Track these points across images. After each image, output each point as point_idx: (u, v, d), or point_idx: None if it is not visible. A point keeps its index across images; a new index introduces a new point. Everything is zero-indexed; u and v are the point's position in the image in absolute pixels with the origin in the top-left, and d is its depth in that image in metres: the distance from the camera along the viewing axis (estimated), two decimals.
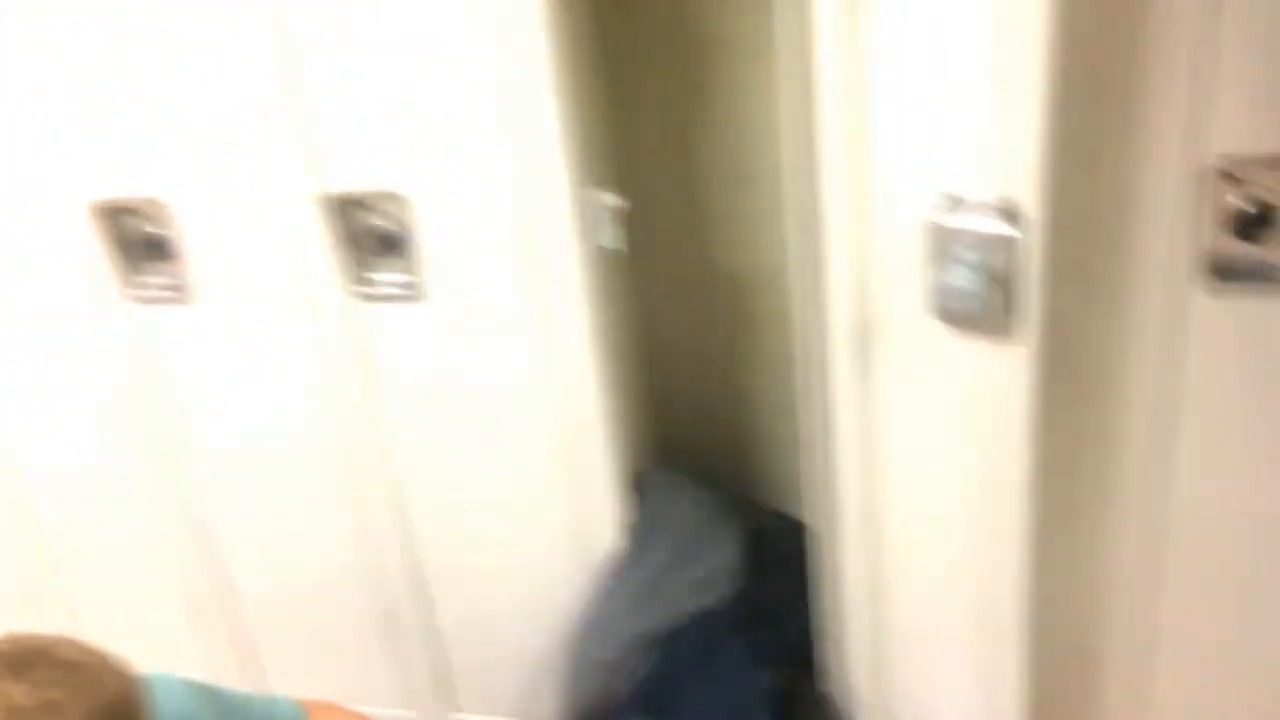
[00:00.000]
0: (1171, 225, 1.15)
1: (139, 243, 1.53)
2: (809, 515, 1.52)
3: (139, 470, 1.74)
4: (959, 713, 1.50)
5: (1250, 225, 1.13)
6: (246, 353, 1.59)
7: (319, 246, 1.48)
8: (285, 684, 1.81)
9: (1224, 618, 1.36)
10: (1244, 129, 1.07)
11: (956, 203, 1.09)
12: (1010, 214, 1.04)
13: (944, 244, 1.09)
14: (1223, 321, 1.18)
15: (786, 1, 1.18)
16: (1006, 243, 1.05)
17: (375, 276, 1.50)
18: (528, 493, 1.63)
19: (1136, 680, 1.45)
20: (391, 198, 1.43)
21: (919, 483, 1.37)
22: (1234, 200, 1.12)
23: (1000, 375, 1.15)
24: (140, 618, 1.86)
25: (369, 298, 1.51)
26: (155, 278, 1.57)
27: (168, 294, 1.56)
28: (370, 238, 1.46)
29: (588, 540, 1.64)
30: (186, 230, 1.51)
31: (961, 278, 1.08)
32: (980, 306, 1.10)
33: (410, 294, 1.49)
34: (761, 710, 1.56)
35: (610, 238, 1.44)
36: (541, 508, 1.64)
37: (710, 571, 1.65)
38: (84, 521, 1.83)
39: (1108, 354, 1.23)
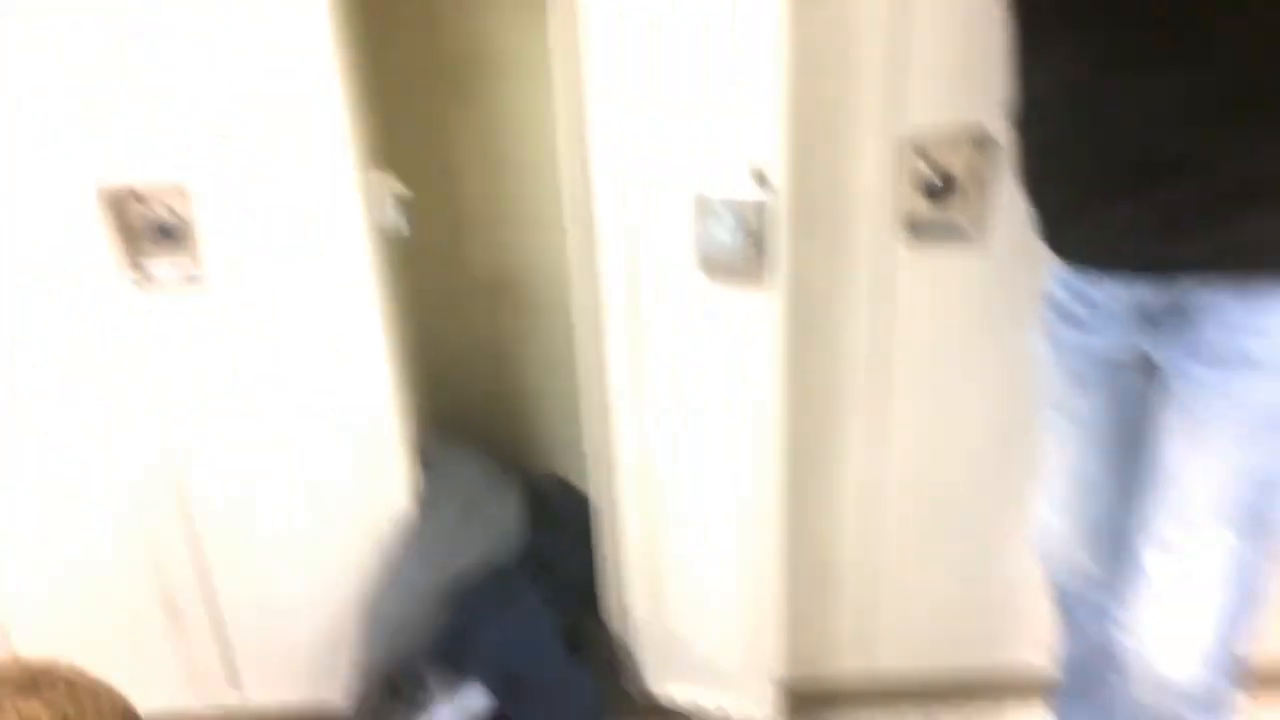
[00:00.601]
0: (878, 191, 1.41)
1: None
2: (589, 466, 1.68)
3: None
4: (727, 628, 1.72)
5: (936, 191, 1.42)
6: (22, 342, 1.54)
7: (96, 238, 1.46)
8: None
9: (924, 507, 1.67)
10: (930, 111, 1.35)
11: (716, 173, 1.29)
12: (761, 181, 1.26)
13: (707, 208, 1.29)
14: (918, 270, 1.47)
15: (555, 17, 1.33)
16: (758, 206, 1.27)
17: (154, 267, 1.50)
18: (317, 472, 1.68)
19: (866, 587, 1.73)
20: (171, 189, 1.45)
21: (686, 426, 1.56)
22: (923, 169, 1.41)
23: (756, 317, 1.37)
24: None
25: (149, 288, 1.51)
26: None
27: None
28: (149, 229, 1.47)
29: (377, 512, 1.72)
30: None
31: (723, 235, 1.28)
32: (739, 259, 1.31)
33: (191, 284, 1.51)
34: (554, 645, 1.71)
35: (394, 222, 1.53)
36: (331, 485, 1.69)
37: (496, 528, 1.78)
38: None
39: (833, 298, 1.49)
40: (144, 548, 1.74)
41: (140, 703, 1.87)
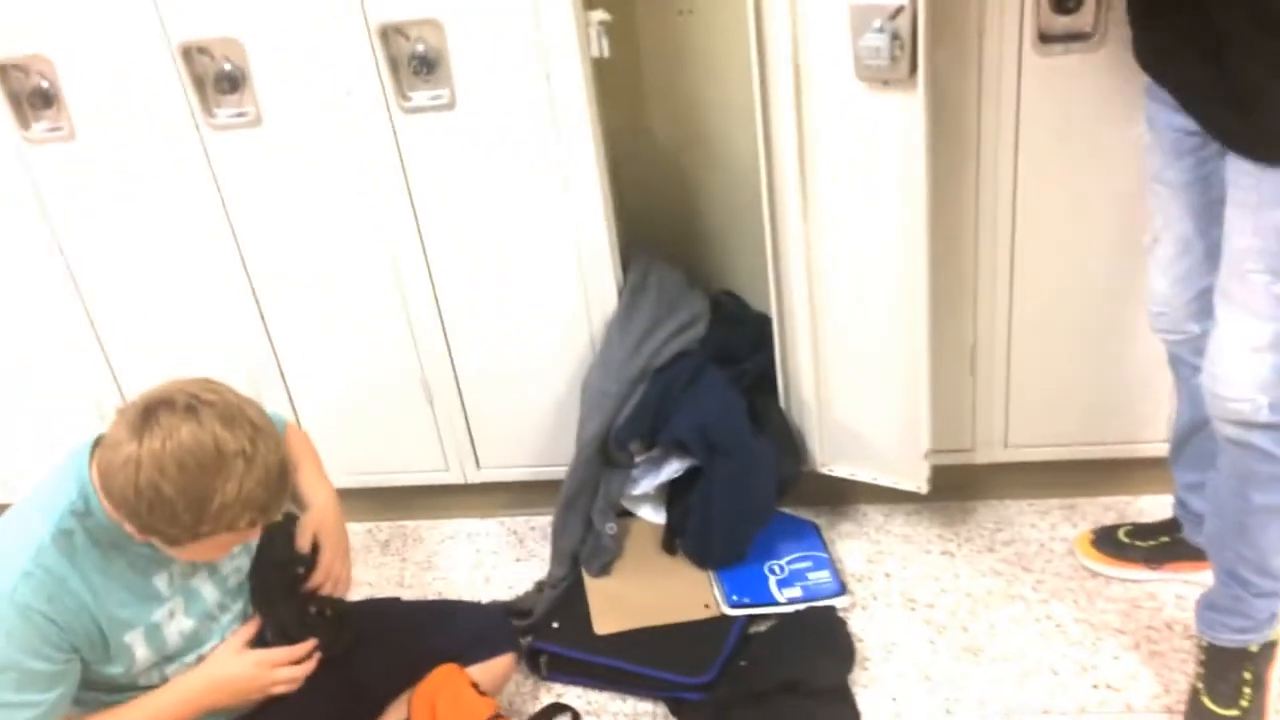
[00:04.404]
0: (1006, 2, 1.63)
1: (217, 78, 1.89)
2: (769, 273, 1.97)
3: (215, 292, 2.12)
4: (884, 412, 1.99)
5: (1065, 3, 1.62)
6: (306, 169, 1.96)
7: (368, 69, 1.85)
8: (348, 462, 2.22)
9: (1059, 298, 1.89)
10: None
11: None
12: None
13: (861, 16, 1.54)
14: (1045, 73, 1.68)
15: None
16: (906, 11, 1.51)
17: (414, 94, 1.88)
18: (545, 269, 2.03)
19: (999, 352, 1.97)
20: (428, 24, 1.81)
21: (844, 225, 1.83)
22: None
23: (904, 120, 1.62)
24: None
25: (410, 111, 1.89)
26: (227, 110, 1.93)
27: (239, 121, 1.93)
28: (410, 59, 1.84)
29: (592, 307, 2.07)
30: (257, 64, 1.87)
31: (875, 41, 1.54)
32: (889, 64, 1.55)
33: (444, 106, 1.88)
34: (743, 420, 2.03)
35: (600, 49, 1.85)
36: (555, 281, 2.05)
37: (687, 322, 2.11)
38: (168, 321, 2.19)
39: (968, 100, 1.73)
40: (414, 358, 2.17)
41: (408, 479, 2.35)
